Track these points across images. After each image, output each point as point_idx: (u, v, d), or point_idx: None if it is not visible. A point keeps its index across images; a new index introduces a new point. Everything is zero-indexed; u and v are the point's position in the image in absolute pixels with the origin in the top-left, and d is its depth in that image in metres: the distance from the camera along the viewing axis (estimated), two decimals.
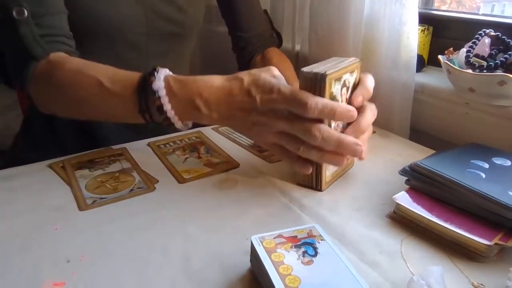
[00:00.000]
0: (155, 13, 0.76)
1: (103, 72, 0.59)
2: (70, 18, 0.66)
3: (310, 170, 0.56)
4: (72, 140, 0.77)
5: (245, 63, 0.92)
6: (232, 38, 0.92)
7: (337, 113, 0.50)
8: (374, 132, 0.80)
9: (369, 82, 0.59)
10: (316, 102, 0.49)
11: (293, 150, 0.53)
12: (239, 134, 0.78)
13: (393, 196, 0.53)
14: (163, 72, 0.56)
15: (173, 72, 0.58)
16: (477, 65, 0.69)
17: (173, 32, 0.80)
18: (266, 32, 0.92)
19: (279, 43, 0.95)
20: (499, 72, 0.66)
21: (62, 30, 0.64)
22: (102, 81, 0.58)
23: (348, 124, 0.56)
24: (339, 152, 0.52)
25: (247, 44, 0.90)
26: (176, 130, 0.60)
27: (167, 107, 0.55)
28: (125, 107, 0.58)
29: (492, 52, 0.71)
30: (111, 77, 0.58)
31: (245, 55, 0.91)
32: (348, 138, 0.51)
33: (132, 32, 0.74)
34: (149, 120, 0.58)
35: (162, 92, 0.54)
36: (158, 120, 0.57)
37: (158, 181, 0.61)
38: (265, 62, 0.88)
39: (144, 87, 0.55)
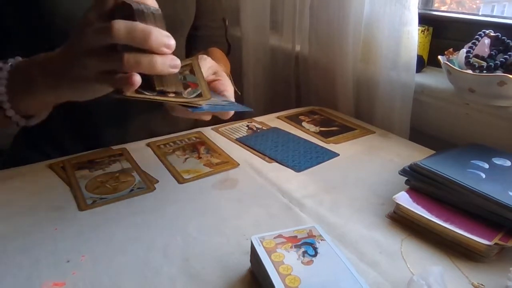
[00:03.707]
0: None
1: None
2: (47, 20, 0.64)
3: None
4: (68, 140, 0.77)
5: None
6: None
7: (152, 37, 0.43)
8: (374, 132, 0.81)
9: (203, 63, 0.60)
10: (119, 24, 0.42)
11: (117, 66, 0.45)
12: (239, 134, 0.78)
13: (393, 196, 0.53)
14: (18, 59, 0.52)
15: None
16: (477, 66, 0.69)
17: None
18: (216, 36, 0.92)
19: (227, 50, 0.95)
20: (499, 73, 0.66)
21: None
22: None
23: None
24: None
25: (193, 41, 0.89)
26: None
27: (1, 90, 0.50)
28: None
29: (492, 52, 0.71)
30: None
31: (187, 51, 0.90)
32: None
33: None
34: None
35: (3, 73, 0.50)
36: None
37: (158, 181, 0.61)
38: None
39: None
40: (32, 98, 0.51)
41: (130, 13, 0.43)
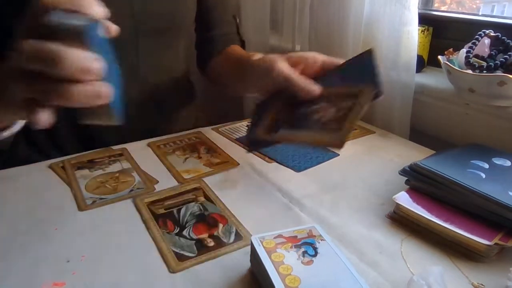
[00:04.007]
0: (142, 7, 0.72)
1: None
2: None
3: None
4: (68, 140, 0.77)
5: (204, 62, 0.89)
6: (196, 36, 0.90)
7: (64, 60, 0.34)
8: (374, 132, 0.81)
9: None
10: (28, 44, 0.34)
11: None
12: (239, 134, 0.78)
13: (393, 196, 0.53)
14: None
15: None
16: (477, 66, 0.69)
17: (163, 27, 0.78)
18: (230, 34, 0.90)
19: (242, 47, 0.92)
20: (499, 73, 0.66)
21: None
22: None
23: None
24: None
25: (208, 43, 0.88)
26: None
27: None
28: None
29: (492, 52, 0.71)
30: None
31: (204, 53, 0.89)
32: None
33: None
34: None
35: None
36: None
37: (158, 181, 0.61)
38: (227, 55, 0.85)
39: None
40: None
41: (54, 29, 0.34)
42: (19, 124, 0.53)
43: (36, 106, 0.37)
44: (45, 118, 0.37)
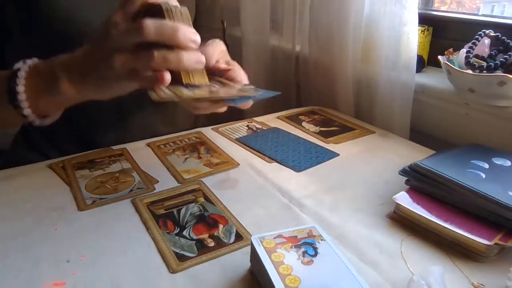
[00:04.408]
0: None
1: None
2: (50, 24, 0.64)
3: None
4: (68, 140, 0.77)
5: None
6: None
7: (180, 33, 0.45)
8: (374, 132, 0.81)
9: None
10: (150, 22, 0.44)
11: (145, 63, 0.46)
12: (239, 134, 0.78)
13: (393, 196, 0.53)
14: (35, 60, 0.53)
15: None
16: (477, 66, 0.69)
17: None
18: (216, 38, 0.90)
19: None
20: (499, 73, 0.66)
21: None
22: None
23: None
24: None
25: None
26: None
27: (20, 88, 0.50)
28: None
29: (492, 52, 0.71)
30: None
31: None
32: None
33: None
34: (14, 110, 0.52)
35: (22, 73, 0.50)
36: (14, 109, 0.51)
37: (158, 181, 0.61)
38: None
39: (11, 74, 0.51)
40: (54, 98, 0.52)
41: (157, 12, 0.46)
42: (59, 113, 0.56)
43: (144, 73, 0.46)
44: (165, 75, 0.46)
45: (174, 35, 0.45)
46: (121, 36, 0.46)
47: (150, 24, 0.44)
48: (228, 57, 0.63)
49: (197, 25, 0.86)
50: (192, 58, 0.47)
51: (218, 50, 0.60)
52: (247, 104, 0.57)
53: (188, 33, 0.45)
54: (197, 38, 0.46)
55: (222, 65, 0.59)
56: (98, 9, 0.68)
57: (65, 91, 0.50)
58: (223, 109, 0.58)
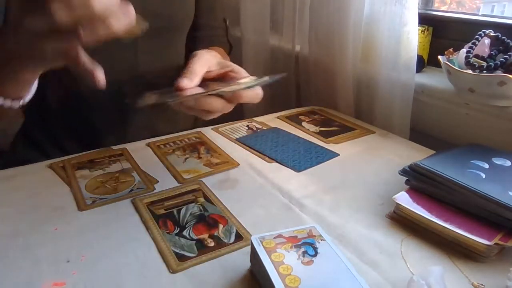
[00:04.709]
0: (141, 7, 0.71)
1: None
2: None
3: None
4: (68, 140, 0.76)
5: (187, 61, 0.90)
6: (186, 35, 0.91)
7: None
8: (374, 132, 0.81)
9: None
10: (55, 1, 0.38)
11: None
12: (239, 134, 0.78)
13: (393, 196, 0.53)
14: None
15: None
16: (477, 66, 0.69)
17: (162, 27, 0.78)
18: (215, 36, 0.90)
19: (229, 51, 0.93)
20: (499, 73, 0.66)
21: None
22: None
23: None
24: None
25: (192, 42, 0.87)
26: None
27: None
28: None
29: (492, 52, 0.71)
30: None
31: (188, 53, 0.87)
32: None
33: None
34: None
35: None
36: None
37: (158, 181, 0.61)
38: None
39: None
40: (10, 78, 0.49)
41: None
42: (30, 95, 0.53)
43: (69, 51, 0.42)
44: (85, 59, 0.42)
45: (87, 4, 0.38)
46: (36, 22, 0.40)
47: (55, 3, 0.38)
48: (222, 61, 0.62)
49: (198, 23, 0.86)
50: (121, 21, 0.42)
51: (202, 63, 0.58)
52: (258, 98, 0.57)
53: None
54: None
55: (215, 72, 0.58)
56: None
57: (15, 71, 0.47)
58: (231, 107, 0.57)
